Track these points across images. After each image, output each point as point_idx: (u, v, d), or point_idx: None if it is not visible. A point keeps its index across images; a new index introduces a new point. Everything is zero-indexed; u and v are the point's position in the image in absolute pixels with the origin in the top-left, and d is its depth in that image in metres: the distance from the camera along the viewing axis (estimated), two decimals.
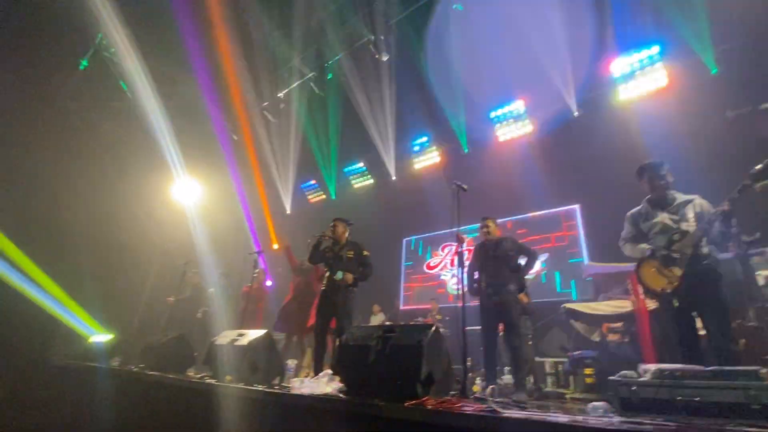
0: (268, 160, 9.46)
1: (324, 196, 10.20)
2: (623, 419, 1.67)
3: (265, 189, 9.99)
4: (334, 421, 2.21)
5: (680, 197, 2.62)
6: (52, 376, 5.56)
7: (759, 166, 2.15)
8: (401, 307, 8.75)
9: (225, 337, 3.60)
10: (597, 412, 1.86)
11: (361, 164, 9.26)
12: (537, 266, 7.21)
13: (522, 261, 3.89)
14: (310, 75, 7.81)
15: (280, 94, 8.17)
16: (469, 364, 6.31)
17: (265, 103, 8.50)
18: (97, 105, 7.91)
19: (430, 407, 1.86)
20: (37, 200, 7.04)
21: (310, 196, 10.42)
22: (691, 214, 2.47)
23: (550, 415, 1.73)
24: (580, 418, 1.66)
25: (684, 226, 2.44)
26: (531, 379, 5.27)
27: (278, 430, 2.42)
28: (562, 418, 1.63)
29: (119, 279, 7.74)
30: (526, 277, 4.12)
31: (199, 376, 3.68)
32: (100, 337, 5.69)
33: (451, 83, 7.17)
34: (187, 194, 8.56)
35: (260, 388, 2.75)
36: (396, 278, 9.31)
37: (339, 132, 8.69)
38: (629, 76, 5.94)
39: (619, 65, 5.99)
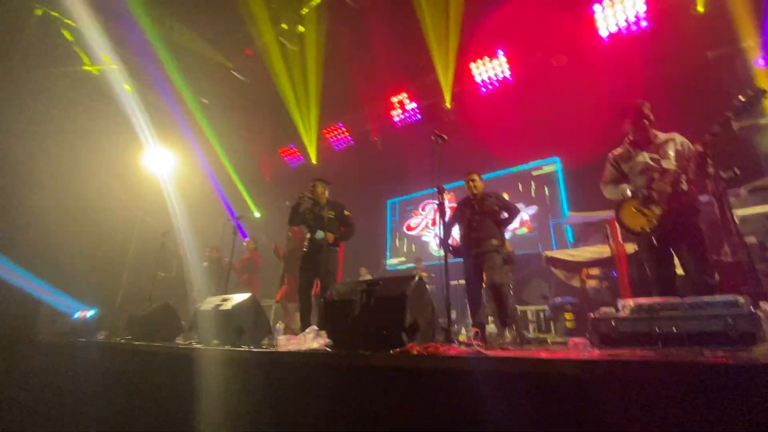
0: (242, 124, 9.06)
1: (303, 160, 9.94)
2: (602, 352, 1.70)
3: (241, 155, 9.66)
4: (322, 374, 2.22)
5: (661, 136, 2.59)
6: (39, 354, 5.50)
7: (741, 98, 2.11)
8: (387, 268, 8.85)
9: (209, 303, 3.54)
10: (577, 348, 1.90)
11: (340, 126, 8.97)
12: (516, 222, 7.34)
13: (504, 215, 3.91)
14: (282, 28, 7.31)
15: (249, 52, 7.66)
16: (454, 316, 6.54)
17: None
18: (53, 71, 7.30)
19: (415, 353, 1.87)
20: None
21: (288, 160, 10.14)
22: (671, 152, 2.46)
23: (533, 353, 1.76)
24: (561, 353, 1.69)
25: (664, 164, 2.43)
26: (513, 326, 5.48)
27: (268, 388, 2.43)
28: (545, 354, 1.65)
29: (98, 254, 7.53)
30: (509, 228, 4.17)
31: (186, 343, 3.66)
32: (84, 312, 5.60)
33: (427, 35, 6.84)
34: (160, 163, 8.20)
35: (247, 348, 2.74)
36: (382, 239, 9.35)
37: (317, 91, 8.30)
38: (611, 16, 5.75)
39: (599, 7, 5.77)
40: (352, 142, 9.04)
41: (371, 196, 9.32)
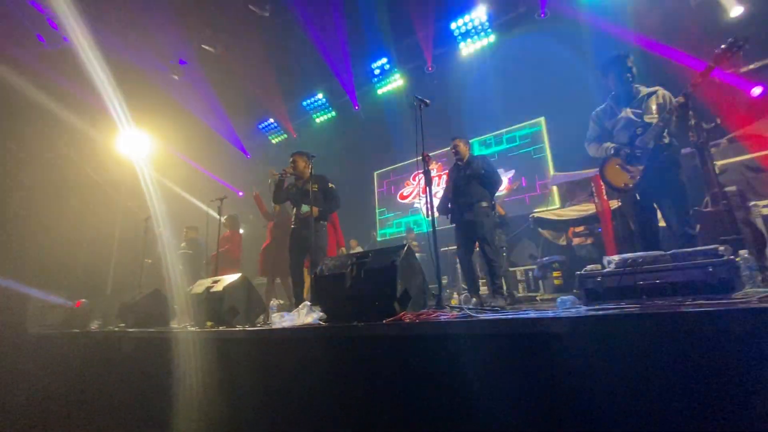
0: (216, 100, 8.70)
1: (286, 135, 9.69)
2: (589, 308, 1.74)
3: (219, 133, 9.36)
4: (318, 348, 2.25)
5: (644, 90, 2.56)
6: (32, 347, 5.46)
7: (723, 46, 2.08)
8: (378, 239, 8.89)
9: (200, 285, 3.53)
10: (565, 305, 1.94)
11: (320, 96, 8.70)
12: (505, 182, 7.36)
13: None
14: None
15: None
16: (444, 282, 6.66)
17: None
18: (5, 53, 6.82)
19: (408, 321, 1.89)
20: None
21: (271, 137, 9.88)
22: (653, 106, 2.44)
23: (521, 313, 1.79)
24: (549, 312, 1.72)
25: (647, 119, 2.41)
26: (504, 287, 5.62)
27: (266, 365, 2.46)
28: (533, 313, 1.69)
29: (84, 244, 7.38)
30: (498, 193, 4.18)
31: (180, 326, 3.66)
32: (75, 303, 5.54)
33: None
34: (136, 146, 7.91)
35: (241, 327, 2.75)
36: (371, 211, 9.34)
37: (292, 61, 7.96)
38: None
39: None
40: (334, 113, 8.81)
41: (357, 167, 9.21)
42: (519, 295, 5.65)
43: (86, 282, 7.14)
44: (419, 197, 8.59)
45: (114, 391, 3.70)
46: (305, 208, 3.65)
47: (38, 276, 6.40)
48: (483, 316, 1.79)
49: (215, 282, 3.43)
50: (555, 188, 6.86)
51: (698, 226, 2.34)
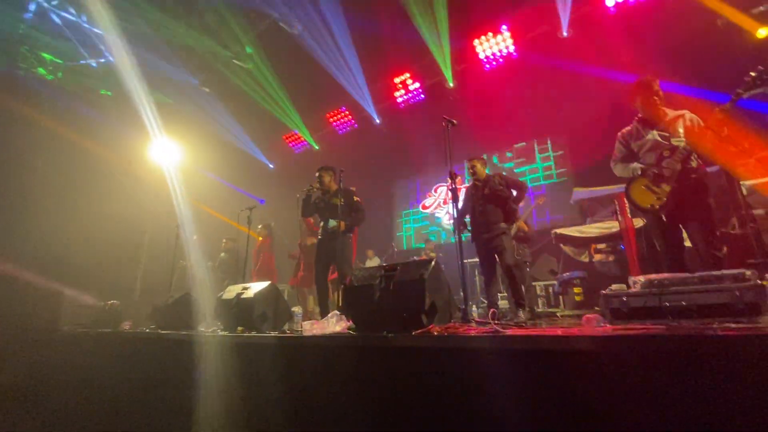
0: (245, 112, 9.04)
1: (309, 146, 9.94)
2: (616, 327, 1.80)
3: (244, 144, 9.68)
4: (347, 356, 2.34)
5: (671, 113, 2.60)
6: (64, 344, 5.71)
7: (752, 74, 2.12)
8: (396, 249, 8.97)
9: (231, 291, 3.68)
10: (591, 323, 1.99)
11: (343, 109, 8.92)
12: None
13: (513, 193, 3.96)
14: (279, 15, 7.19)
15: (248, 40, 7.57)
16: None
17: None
18: (57, 67, 7.30)
19: (436, 333, 1.97)
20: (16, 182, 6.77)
21: (293, 146, 10.14)
22: (681, 129, 2.48)
23: (549, 330, 1.85)
24: (576, 330, 1.78)
25: (674, 141, 2.46)
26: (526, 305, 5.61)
27: (294, 371, 2.57)
28: (560, 330, 1.75)
29: (114, 247, 7.71)
30: (521, 205, 4.23)
31: (211, 329, 3.81)
32: (106, 304, 5.78)
33: (431, 12, 6.71)
34: (166, 155, 8.26)
35: (273, 334, 2.87)
36: (391, 221, 9.44)
37: (318, 75, 8.22)
38: None
39: None
40: (356, 126, 9.01)
41: (378, 178, 9.36)
42: (539, 310, 5.63)
43: (116, 284, 7.44)
44: (440, 208, 8.66)
45: (142, 389, 3.84)
46: (332, 222, 3.78)
47: (72, 276, 6.72)
48: (510, 332, 1.85)
49: (245, 289, 3.57)
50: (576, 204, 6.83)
51: (725, 248, 2.36)
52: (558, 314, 4.64)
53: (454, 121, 2.90)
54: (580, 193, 6.44)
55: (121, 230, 7.93)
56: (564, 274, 5.53)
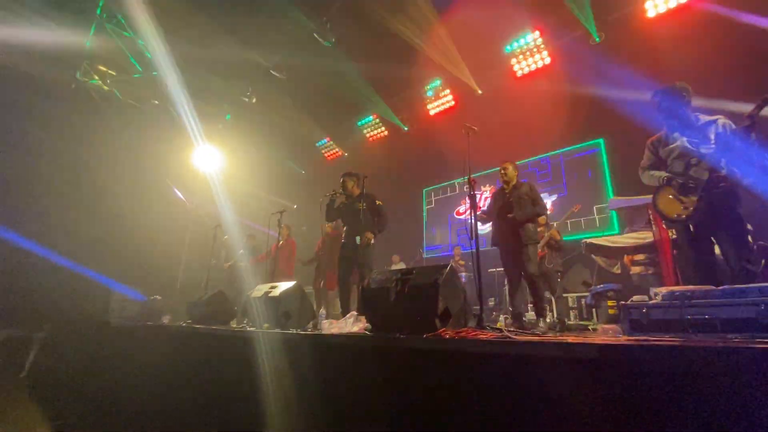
0: (282, 120, 9.43)
1: (340, 153, 10.21)
2: (630, 337, 1.76)
3: (281, 150, 10.09)
4: (362, 355, 2.42)
5: (703, 119, 2.49)
6: (112, 337, 6.18)
7: None
8: (425, 256, 8.97)
9: (259, 290, 3.87)
10: (606, 334, 1.95)
11: (373, 116, 9.10)
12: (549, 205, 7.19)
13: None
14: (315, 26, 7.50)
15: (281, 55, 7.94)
16: (492, 303, 6.56)
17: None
18: (112, 79, 8.00)
19: (447, 337, 2.01)
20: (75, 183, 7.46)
21: (326, 153, 10.45)
22: (712, 136, 2.37)
23: (560, 338, 1.84)
24: (583, 339, 1.76)
25: (703, 149, 2.35)
26: (554, 312, 5.44)
27: (313, 367, 2.68)
28: (571, 339, 1.74)
29: (158, 246, 8.26)
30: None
31: (240, 325, 4.02)
32: (149, 298, 6.21)
33: (461, 19, 6.74)
34: (208, 161, 8.78)
35: (294, 331, 3.00)
36: (418, 228, 9.46)
37: (351, 84, 8.46)
38: None
39: None
40: (386, 132, 9.15)
41: (407, 184, 9.43)
42: (570, 322, 5.44)
43: (159, 280, 7.96)
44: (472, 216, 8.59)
45: (174, 380, 4.09)
46: (357, 239, 3.83)
47: (122, 272, 7.27)
48: (522, 338, 1.86)
49: (273, 288, 3.75)
50: (613, 213, 6.57)
51: (763, 262, 2.22)
52: (590, 327, 4.48)
53: (475, 128, 2.92)
54: (617, 202, 6.18)
55: (166, 230, 8.50)
56: (597, 286, 5.31)
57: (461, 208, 8.91)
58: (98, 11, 7.08)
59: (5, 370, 5.93)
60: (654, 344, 1.47)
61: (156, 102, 8.35)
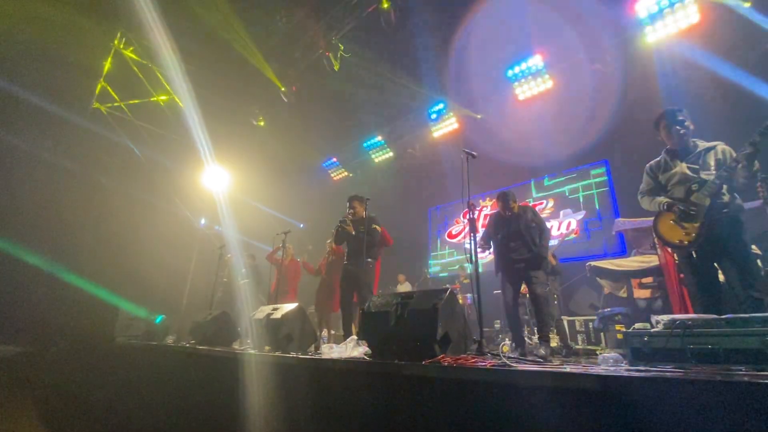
0: (288, 142, 9.63)
1: (346, 173, 10.33)
2: (630, 368, 1.73)
3: (286, 171, 10.26)
4: (361, 380, 2.40)
5: (702, 145, 2.50)
6: (117, 355, 6.18)
7: None
8: (429, 276, 8.92)
9: (261, 312, 3.88)
10: (607, 362, 1.92)
11: (379, 138, 9.24)
12: (563, 229, 7.14)
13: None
14: (322, 52, 7.74)
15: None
16: (497, 325, 6.45)
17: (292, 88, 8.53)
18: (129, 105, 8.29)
19: (445, 364, 1.99)
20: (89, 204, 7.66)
21: (333, 174, 10.58)
22: (712, 162, 2.37)
23: (558, 367, 1.82)
24: (589, 367, 1.73)
25: (704, 175, 2.35)
26: (558, 337, 5.33)
27: (312, 391, 2.66)
28: (569, 368, 1.71)
29: (164, 265, 8.34)
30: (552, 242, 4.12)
31: (242, 348, 4.01)
32: (154, 318, 6.23)
33: (464, 43, 6.91)
34: (216, 181, 8.93)
35: (294, 355, 2.99)
36: (424, 248, 9.45)
37: (357, 106, 8.64)
38: (657, 16, 5.47)
39: (645, 4, 5.51)
40: (392, 154, 9.27)
41: (412, 205, 9.48)
42: (577, 347, 5.32)
43: (164, 299, 8.00)
44: (467, 238, 8.56)
45: (178, 400, 4.07)
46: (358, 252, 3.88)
47: (129, 290, 7.32)
48: (519, 367, 1.84)
49: (275, 309, 3.75)
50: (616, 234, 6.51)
51: None
52: (598, 352, 4.38)
53: (474, 154, 2.97)
54: (623, 224, 6.14)
55: (172, 249, 8.59)
56: (605, 310, 5.22)
57: (454, 230, 8.91)
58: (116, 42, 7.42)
59: (12, 387, 5.92)
60: (653, 376, 1.45)
61: (167, 126, 8.60)
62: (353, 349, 2.64)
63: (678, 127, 2.47)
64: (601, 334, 5.39)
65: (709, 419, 1.25)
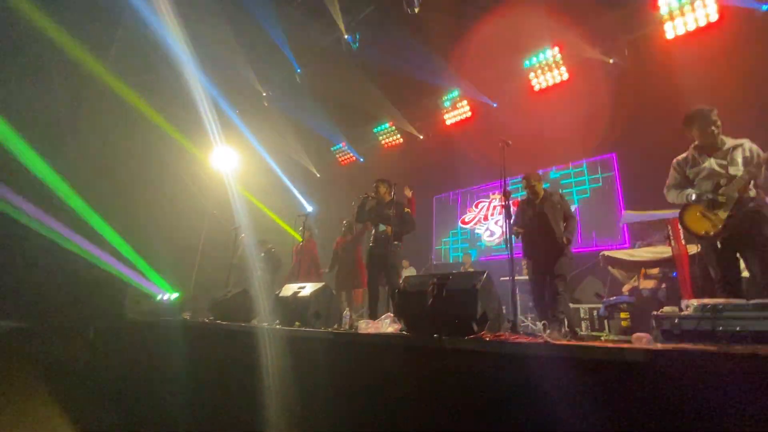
0: (298, 123, 9.62)
1: (354, 158, 10.37)
2: (666, 345, 1.87)
3: (296, 153, 10.26)
4: (399, 355, 2.53)
5: (729, 142, 2.62)
6: (128, 331, 6.23)
7: None
8: (434, 263, 9.08)
9: (288, 290, 3.99)
10: (641, 341, 2.07)
11: (389, 123, 9.26)
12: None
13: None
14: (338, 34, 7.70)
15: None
16: (504, 310, 6.64)
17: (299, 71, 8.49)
18: (136, 79, 8.20)
19: (488, 338, 2.13)
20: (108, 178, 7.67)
21: (341, 158, 10.62)
22: (739, 159, 2.50)
23: (603, 342, 1.96)
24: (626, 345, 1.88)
25: (732, 170, 2.48)
26: (565, 323, 5.53)
27: (350, 366, 2.79)
28: (610, 344, 1.85)
29: (174, 244, 8.39)
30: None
31: (273, 323, 4.10)
32: (167, 295, 6.29)
33: (482, 33, 6.92)
34: (225, 161, 8.92)
35: (331, 330, 3.12)
36: (427, 235, 9.59)
37: (368, 91, 8.63)
38: (676, 11, 5.53)
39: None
40: (402, 140, 9.31)
41: (419, 192, 9.53)
42: (582, 333, 5.52)
43: (173, 278, 8.07)
44: (480, 223, 8.71)
45: (200, 376, 4.14)
46: (382, 227, 4.03)
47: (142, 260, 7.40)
48: (565, 342, 1.98)
49: (301, 288, 3.87)
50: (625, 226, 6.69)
51: None
52: (602, 338, 4.57)
53: (509, 142, 3.06)
54: (630, 216, 6.31)
55: (182, 229, 8.63)
56: (610, 298, 5.41)
57: (467, 216, 9.04)
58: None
59: (17, 362, 5.95)
60: (700, 350, 1.59)
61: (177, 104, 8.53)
62: (389, 325, 2.77)
63: (713, 128, 2.59)
64: (606, 321, 5.60)
65: (744, 391, 1.39)
